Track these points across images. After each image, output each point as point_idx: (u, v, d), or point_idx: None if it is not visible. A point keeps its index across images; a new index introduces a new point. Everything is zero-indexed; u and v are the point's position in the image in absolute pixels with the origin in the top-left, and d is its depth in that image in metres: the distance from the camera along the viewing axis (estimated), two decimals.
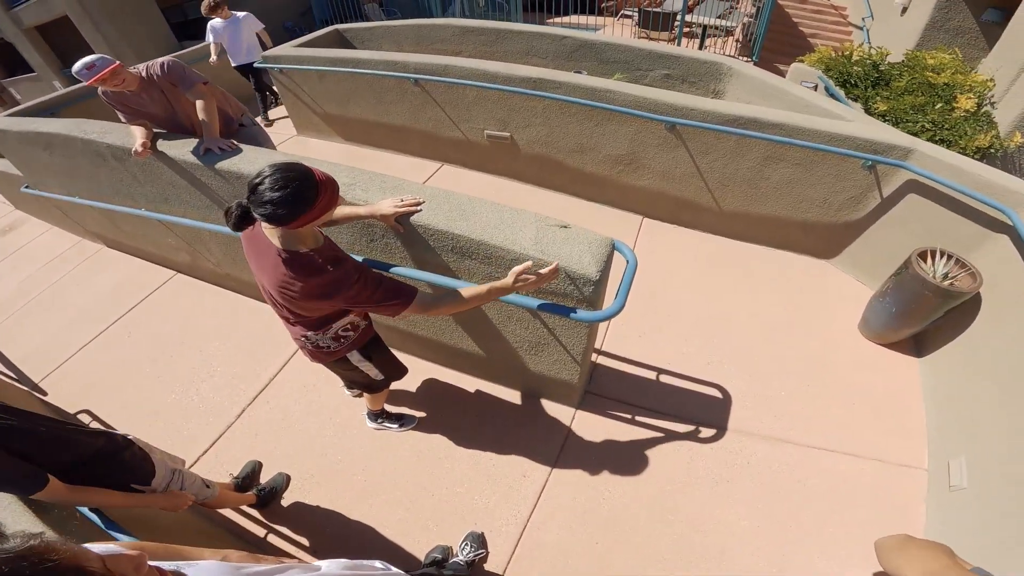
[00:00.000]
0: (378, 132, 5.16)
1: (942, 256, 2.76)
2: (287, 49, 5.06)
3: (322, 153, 5.28)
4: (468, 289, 1.73)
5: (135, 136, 2.86)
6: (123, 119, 2.99)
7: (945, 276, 2.71)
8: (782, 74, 5.60)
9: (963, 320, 2.76)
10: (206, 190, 2.87)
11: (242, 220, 1.46)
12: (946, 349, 2.87)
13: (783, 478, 2.59)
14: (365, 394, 2.65)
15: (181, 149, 2.83)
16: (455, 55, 4.37)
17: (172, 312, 3.87)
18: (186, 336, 3.64)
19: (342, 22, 7.25)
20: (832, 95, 4.48)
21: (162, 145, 2.89)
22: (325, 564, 1.29)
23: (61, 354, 3.67)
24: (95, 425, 3.15)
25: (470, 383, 3.08)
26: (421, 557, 2.36)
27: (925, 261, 2.81)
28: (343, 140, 5.60)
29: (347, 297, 1.58)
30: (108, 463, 1.75)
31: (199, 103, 2.93)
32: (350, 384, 2.77)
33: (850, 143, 3.10)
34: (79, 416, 3.20)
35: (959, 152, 3.58)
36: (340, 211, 2.02)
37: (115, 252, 4.53)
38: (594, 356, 3.14)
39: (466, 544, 2.35)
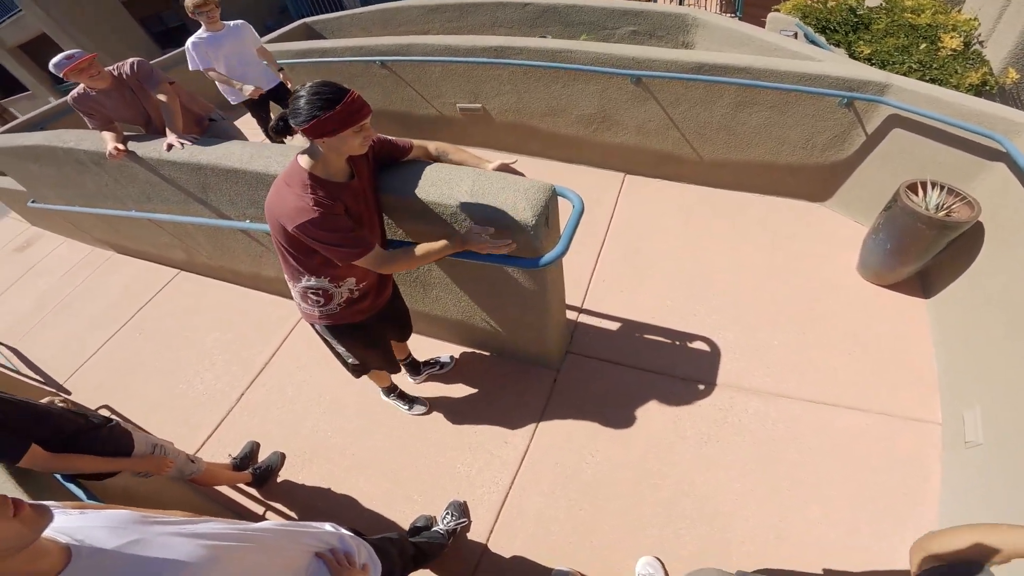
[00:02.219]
0: None
1: (933, 187, 2.49)
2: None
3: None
4: (422, 246, 1.67)
5: (106, 140, 2.79)
6: (91, 125, 2.89)
7: (939, 207, 2.43)
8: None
9: (968, 253, 2.47)
10: (179, 184, 2.75)
11: (281, 127, 1.44)
12: (954, 287, 2.56)
13: (779, 436, 2.32)
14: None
15: (149, 148, 2.71)
16: (423, 35, 4.14)
17: (176, 308, 3.83)
18: (189, 330, 3.59)
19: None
20: (813, 42, 4.18)
21: (132, 146, 2.77)
22: (262, 524, 1.16)
23: (81, 356, 3.67)
24: (126, 424, 3.22)
25: (449, 350, 2.91)
26: (407, 527, 2.25)
27: (916, 193, 2.54)
28: None
29: (305, 223, 1.45)
30: (87, 437, 1.78)
31: (161, 99, 2.87)
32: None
33: (821, 81, 2.85)
34: (99, 411, 3.20)
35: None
36: (457, 153, 1.92)
37: (123, 257, 4.50)
38: (575, 315, 2.94)
39: (448, 513, 2.22)
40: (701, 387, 2.54)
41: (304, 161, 1.49)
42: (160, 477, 2.17)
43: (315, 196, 1.45)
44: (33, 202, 3.99)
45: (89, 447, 1.76)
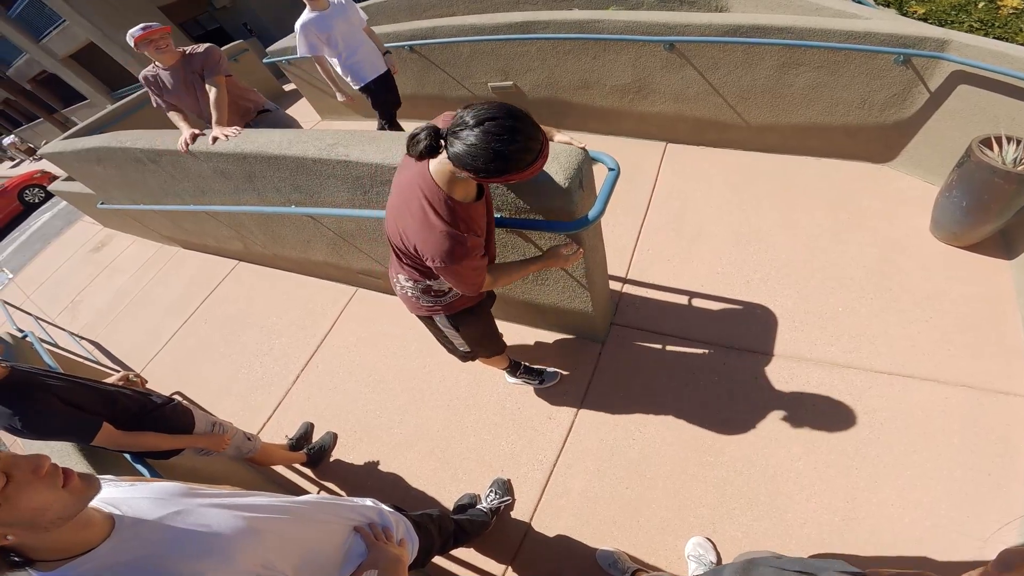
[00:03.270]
0: None
1: (1009, 141, 2.22)
2: (290, 41, 4.90)
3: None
4: (515, 271, 1.61)
5: (181, 130, 2.85)
6: (155, 103, 3.00)
7: (1016, 161, 2.17)
8: None
9: None
10: (228, 175, 2.78)
11: (431, 151, 1.18)
12: None
13: (846, 410, 2.09)
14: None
15: (198, 142, 2.74)
16: (449, 17, 4.04)
17: (237, 297, 3.95)
18: (249, 316, 3.70)
19: None
20: (859, 2, 3.80)
21: (173, 141, 2.83)
22: (303, 498, 1.15)
23: (154, 346, 3.85)
24: (189, 405, 3.39)
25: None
26: (451, 505, 2.20)
27: (991, 148, 2.28)
28: (362, 117, 5.41)
29: (443, 263, 1.32)
30: (152, 415, 1.87)
31: (212, 92, 2.89)
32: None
33: (872, 39, 2.59)
34: (173, 396, 3.34)
35: None
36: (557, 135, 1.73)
37: (188, 252, 4.68)
38: (619, 286, 2.79)
39: (491, 491, 2.16)
40: (757, 358, 2.34)
41: (442, 180, 1.25)
42: (221, 458, 2.24)
43: (462, 234, 1.29)
44: (102, 204, 4.18)
45: (153, 425, 1.83)
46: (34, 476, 0.67)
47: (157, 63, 2.90)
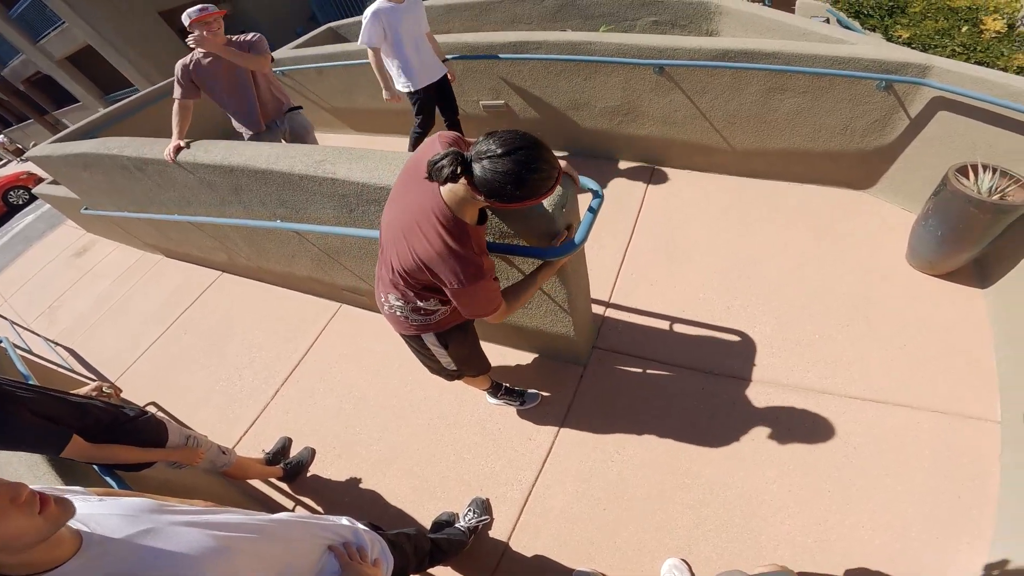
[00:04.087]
0: (382, 119, 4.94)
1: (985, 169, 2.27)
2: (285, 51, 4.95)
3: (335, 145, 5.15)
4: (525, 290, 1.58)
5: (172, 138, 2.87)
6: (177, 93, 2.99)
7: (992, 190, 2.21)
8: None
9: None
10: (213, 187, 2.78)
11: (454, 176, 1.18)
12: (1013, 274, 2.32)
13: (820, 434, 2.12)
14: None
15: (184, 153, 2.74)
16: (443, 34, 4.09)
17: (219, 308, 3.91)
18: (230, 328, 3.66)
19: None
20: (847, 27, 3.92)
21: (160, 150, 2.83)
22: (277, 516, 1.15)
23: (131, 355, 3.79)
24: (160, 415, 3.33)
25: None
26: (430, 524, 2.18)
27: (967, 177, 2.32)
28: (353, 131, 5.45)
29: (463, 287, 1.33)
30: (125, 427, 1.83)
31: (249, 61, 2.99)
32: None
33: (855, 64, 2.64)
34: (147, 407, 3.29)
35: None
36: None
37: (171, 261, 4.63)
38: (602, 310, 2.81)
39: (470, 510, 2.14)
40: (736, 383, 2.37)
41: (454, 204, 1.28)
42: (195, 470, 2.20)
43: (478, 256, 1.31)
44: (86, 209, 4.15)
45: (126, 437, 1.80)
46: (11, 504, 0.67)
47: (198, 50, 2.93)
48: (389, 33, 3.20)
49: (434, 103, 3.64)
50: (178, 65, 2.94)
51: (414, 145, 3.86)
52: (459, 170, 1.16)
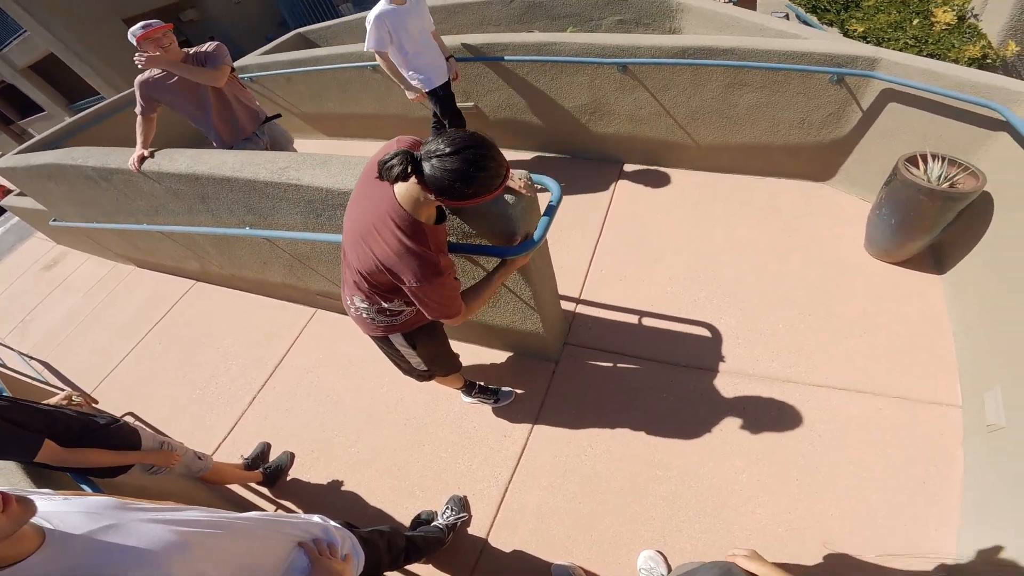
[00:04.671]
0: (353, 123, 4.93)
1: (934, 159, 2.35)
2: (253, 58, 4.90)
3: (306, 150, 5.11)
4: (484, 289, 1.59)
5: (136, 148, 2.79)
6: (138, 110, 2.84)
7: (941, 178, 2.29)
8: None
9: (979, 225, 2.31)
10: (180, 195, 2.76)
11: (404, 175, 1.20)
12: (968, 260, 2.40)
13: (786, 423, 2.17)
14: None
15: (149, 162, 2.72)
16: None
17: (193, 317, 3.87)
18: (206, 337, 3.62)
19: None
20: (805, 22, 4.00)
21: (125, 160, 2.80)
22: (245, 514, 1.15)
23: (106, 367, 3.73)
24: (137, 424, 3.32)
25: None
26: (409, 523, 2.20)
27: (916, 166, 2.40)
28: (325, 136, 5.41)
29: (421, 285, 1.34)
30: (96, 434, 1.81)
31: (210, 76, 2.76)
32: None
33: (808, 59, 2.71)
34: (125, 418, 3.25)
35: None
36: None
37: (144, 271, 4.55)
38: (573, 306, 2.85)
39: (448, 508, 2.17)
40: (703, 374, 2.42)
41: (408, 204, 1.31)
42: (172, 477, 2.19)
43: (435, 255, 1.33)
44: (55, 221, 4.06)
45: (97, 444, 1.79)
46: None
47: (161, 70, 2.78)
48: (394, 36, 3.11)
49: (449, 106, 3.54)
50: (137, 80, 2.81)
51: None
52: (409, 169, 1.18)
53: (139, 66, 2.71)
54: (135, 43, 2.66)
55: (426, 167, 1.19)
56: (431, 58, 3.32)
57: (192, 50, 2.83)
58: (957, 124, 2.42)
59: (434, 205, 1.35)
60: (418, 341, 1.79)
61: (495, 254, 1.70)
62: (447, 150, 1.17)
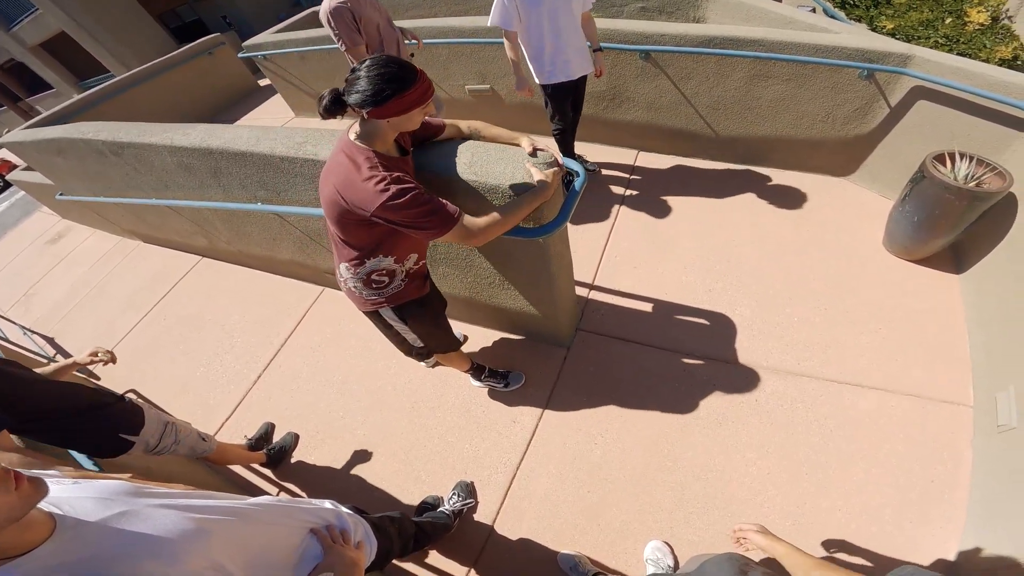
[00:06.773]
0: None
1: (962, 157, 2.32)
2: (267, 36, 4.86)
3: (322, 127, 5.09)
4: (513, 206, 1.53)
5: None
6: (347, 39, 2.69)
7: (968, 177, 2.26)
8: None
9: (1002, 226, 2.28)
10: (191, 170, 2.72)
11: (333, 105, 1.35)
12: (987, 261, 2.36)
13: (799, 417, 2.15)
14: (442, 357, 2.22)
15: (156, 134, 2.68)
16: (430, 18, 4.02)
17: (199, 293, 3.85)
18: (211, 313, 3.61)
19: None
20: (832, 17, 3.93)
21: (136, 134, 2.75)
22: (258, 500, 1.12)
23: (110, 342, 3.72)
24: (139, 401, 3.30)
25: (458, 328, 2.80)
26: (414, 508, 2.19)
27: (944, 164, 2.37)
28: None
29: (385, 199, 1.32)
30: (99, 413, 1.77)
31: None
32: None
33: (838, 53, 2.68)
34: (127, 394, 3.24)
35: None
36: (488, 130, 1.79)
37: (149, 246, 4.55)
38: (586, 292, 2.83)
39: (454, 494, 2.15)
40: (716, 366, 2.40)
41: (361, 140, 1.39)
42: (176, 457, 2.17)
43: (391, 174, 1.34)
44: (61, 195, 4.04)
45: (98, 422, 1.76)
46: None
47: None
48: (524, 14, 2.61)
49: (568, 99, 3.03)
50: (334, 6, 2.53)
51: (563, 148, 3.35)
52: (335, 100, 1.32)
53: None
54: None
55: (347, 95, 1.31)
56: (572, 46, 2.74)
57: None
58: (986, 124, 2.39)
59: (389, 136, 1.41)
60: (408, 316, 1.78)
61: (517, 235, 1.67)
62: (360, 71, 1.29)
